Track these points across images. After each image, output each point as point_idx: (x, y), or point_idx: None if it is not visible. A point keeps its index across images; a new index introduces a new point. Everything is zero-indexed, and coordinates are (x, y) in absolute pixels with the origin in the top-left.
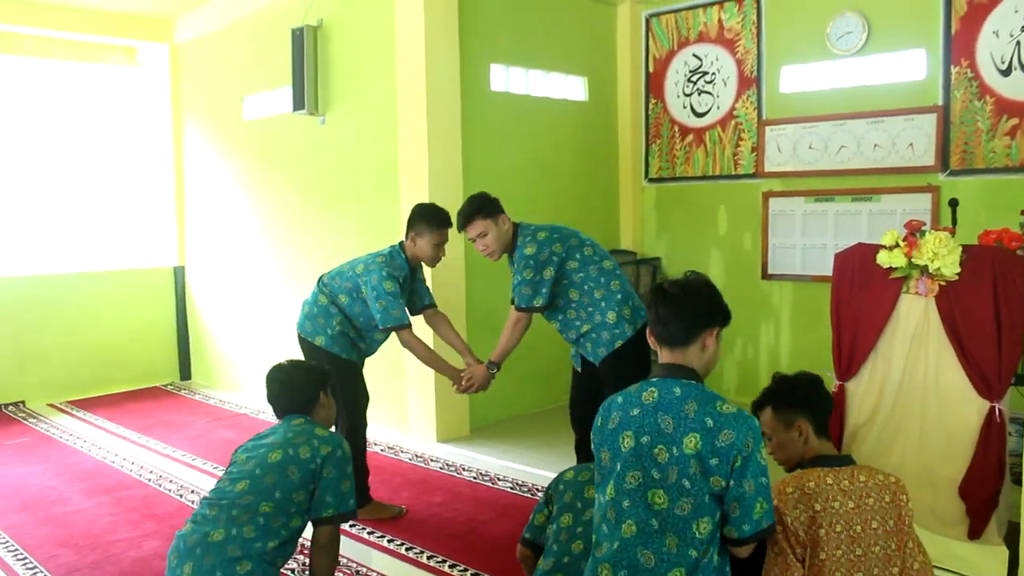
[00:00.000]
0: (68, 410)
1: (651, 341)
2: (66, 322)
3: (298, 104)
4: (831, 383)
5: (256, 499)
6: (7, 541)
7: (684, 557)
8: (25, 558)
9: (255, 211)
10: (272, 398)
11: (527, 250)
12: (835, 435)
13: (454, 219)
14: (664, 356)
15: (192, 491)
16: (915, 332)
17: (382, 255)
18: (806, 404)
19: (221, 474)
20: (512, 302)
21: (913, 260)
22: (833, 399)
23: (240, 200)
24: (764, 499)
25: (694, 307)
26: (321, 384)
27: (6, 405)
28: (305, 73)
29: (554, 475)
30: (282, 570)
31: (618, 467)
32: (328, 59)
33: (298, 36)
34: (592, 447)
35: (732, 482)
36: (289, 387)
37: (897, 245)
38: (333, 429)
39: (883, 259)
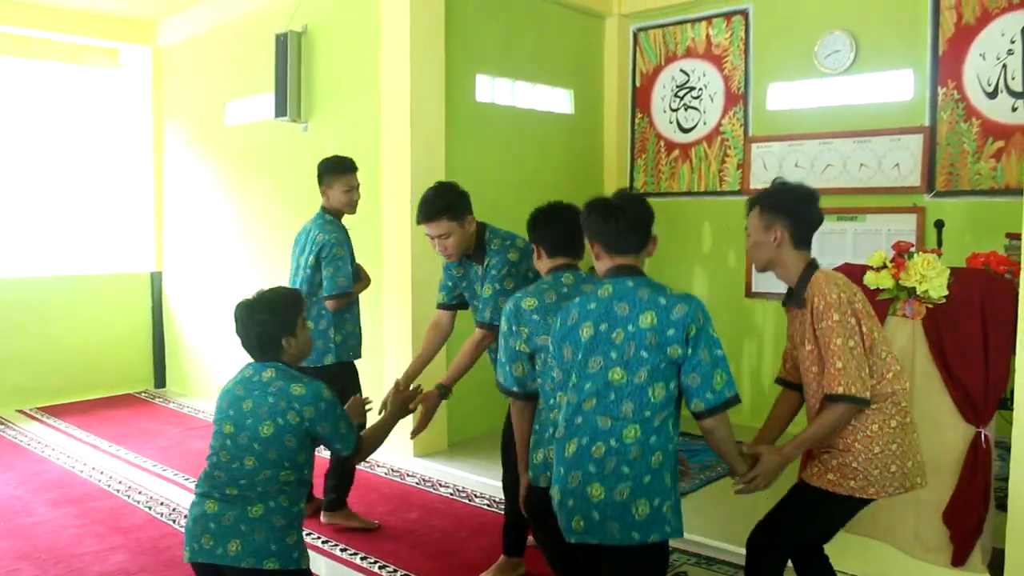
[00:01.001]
0: (38, 417)
1: (596, 251)
2: (39, 326)
3: (280, 110)
4: None
5: (273, 471)
6: None
7: (638, 416)
8: None
9: (234, 218)
10: (241, 342)
11: (511, 255)
12: None
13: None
14: (611, 262)
15: (161, 503)
16: (901, 355)
17: (316, 223)
18: (789, 212)
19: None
20: (482, 316)
21: (900, 282)
22: (822, 217)
23: (220, 206)
24: (723, 371)
25: (644, 216)
26: (286, 327)
27: None
28: (288, 79)
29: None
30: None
31: (580, 356)
32: (312, 65)
33: (282, 41)
34: (552, 349)
35: (689, 350)
36: (253, 334)
37: (884, 266)
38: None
39: (870, 280)
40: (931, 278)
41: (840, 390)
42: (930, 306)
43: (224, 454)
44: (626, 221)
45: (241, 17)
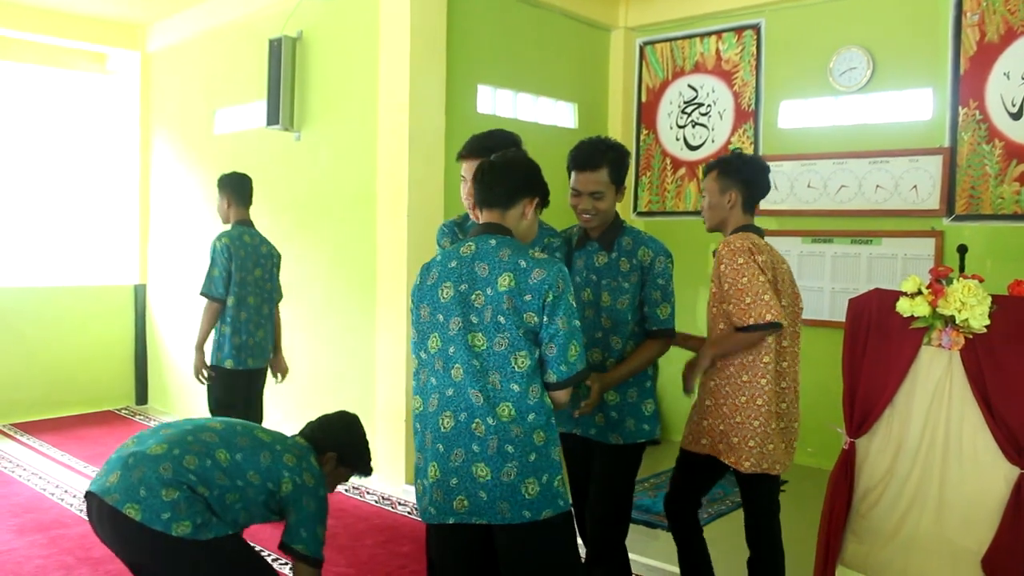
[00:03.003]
0: (11, 433)
1: (474, 214)
2: (16, 338)
3: (272, 119)
4: (841, 440)
5: (217, 444)
6: None
7: (507, 391)
8: None
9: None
10: None
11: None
12: (844, 496)
13: None
14: (483, 218)
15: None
16: (936, 388)
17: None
18: (744, 179)
19: None
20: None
21: (938, 310)
22: (770, 186)
23: (207, 217)
24: (577, 342)
25: (517, 175)
26: None
27: None
28: (281, 86)
29: None
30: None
31: (440, 318)
32: (306, 72)
33: (276, 47)
34: (411, 308)
35: (545, 318)
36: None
37: (920, 292)
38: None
39: (904, 307)
40: (972, 306)
41: (751, 321)
42: (969, 336)
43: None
44: (492, 175)
45: (234, 22)
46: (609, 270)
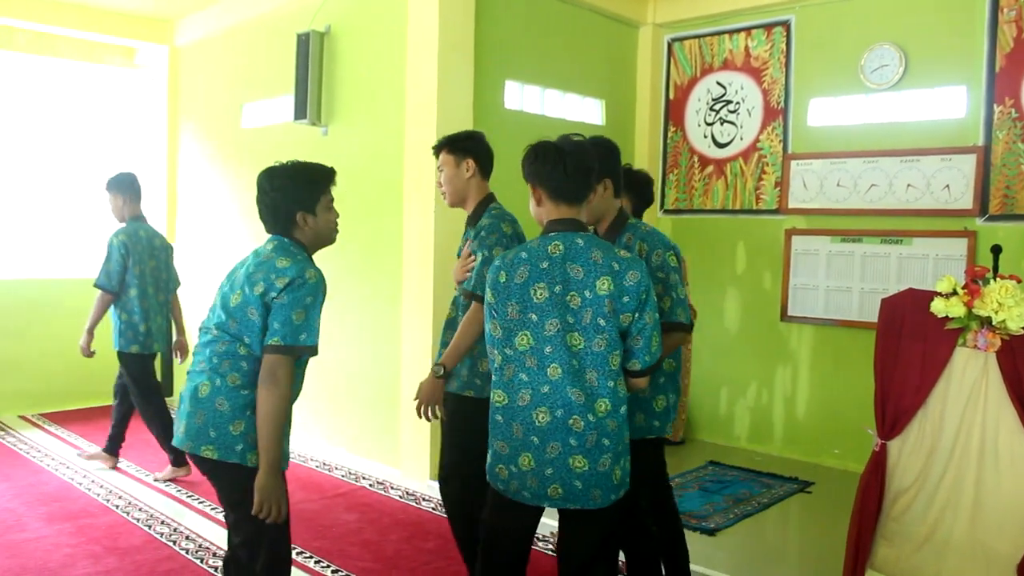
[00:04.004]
0: (40, 424)
1: (539, 197)
2: (46, 329)
3: (300, 113)
4: (872, 441)
5: (237, 337)
6: None
7: (604, 388)
8: None
9: (249, 223)
10: (258, 211)
11: (504, 227)
12: (874, 499)
13: None
14: (558, 212)
15: (162, 521)
16: (971, 390)
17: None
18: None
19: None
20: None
21: (974, 310)
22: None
23: (234, 211)
24: (658, 333)
25: (591, 163)
26: (304, 203)
27: None
28: (309, 81)
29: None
30: None
31: (533, 317)
32: (334, 67)
33: (303, 41)
34: (492, 303)
35: (636, 315)
36: (268, 200)
37: (955, 292)
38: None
39: (938, 308)
40: (1010, 307)
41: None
42: (1006, 338)
43: (206, 329)
44: (573, 166)
45: (262, 16)
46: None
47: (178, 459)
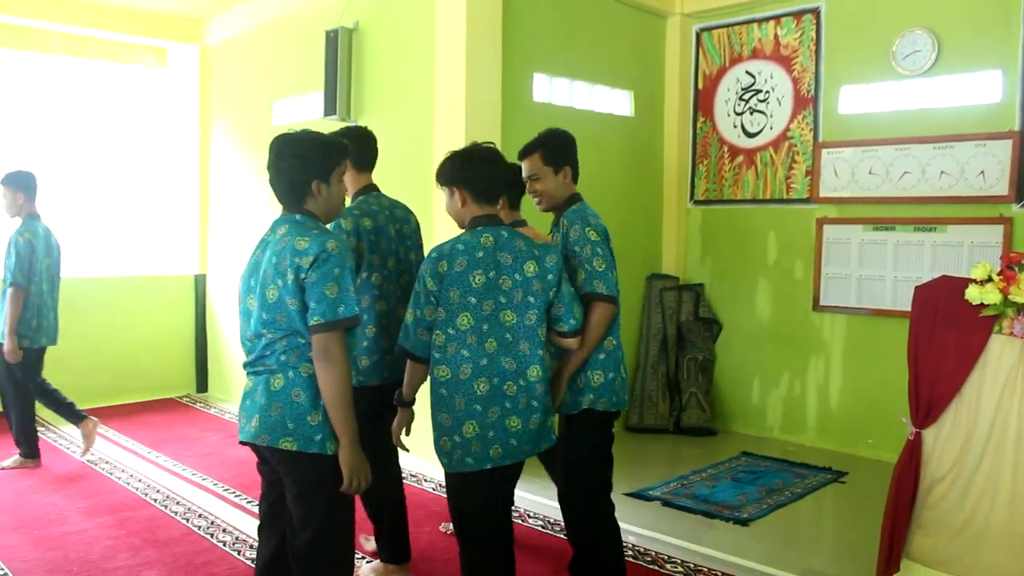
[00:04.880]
0: None
1: (463, 198)
2: (82, 328)
3: (329, 109)
4: (907, 430)
5: (290, 339)
6: None
7: (535, 356)
8: None
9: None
10: (271, 184)
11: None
12: (909, 488)
13: None
14: (481, 210)
15: (199, 515)
16: (1008, 377)
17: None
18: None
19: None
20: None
21: (1010, 297)
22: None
23: (266, 208)
24: (576, 301)
25: (503, 171)
26: (321, 172)
27: None
28: (338, 77)
29: None
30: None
31: (472, 300)
32: (362, 63)
33: (332, 38)
34: (432, 288)
35: (556, 290)
36: (284, 171)
37: (990, 279)
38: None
39: (973, 295)
40: None
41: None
42: None
43: (250, 334)
44: (497, 171)
45: (290, 14)
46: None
47: (31, 452)
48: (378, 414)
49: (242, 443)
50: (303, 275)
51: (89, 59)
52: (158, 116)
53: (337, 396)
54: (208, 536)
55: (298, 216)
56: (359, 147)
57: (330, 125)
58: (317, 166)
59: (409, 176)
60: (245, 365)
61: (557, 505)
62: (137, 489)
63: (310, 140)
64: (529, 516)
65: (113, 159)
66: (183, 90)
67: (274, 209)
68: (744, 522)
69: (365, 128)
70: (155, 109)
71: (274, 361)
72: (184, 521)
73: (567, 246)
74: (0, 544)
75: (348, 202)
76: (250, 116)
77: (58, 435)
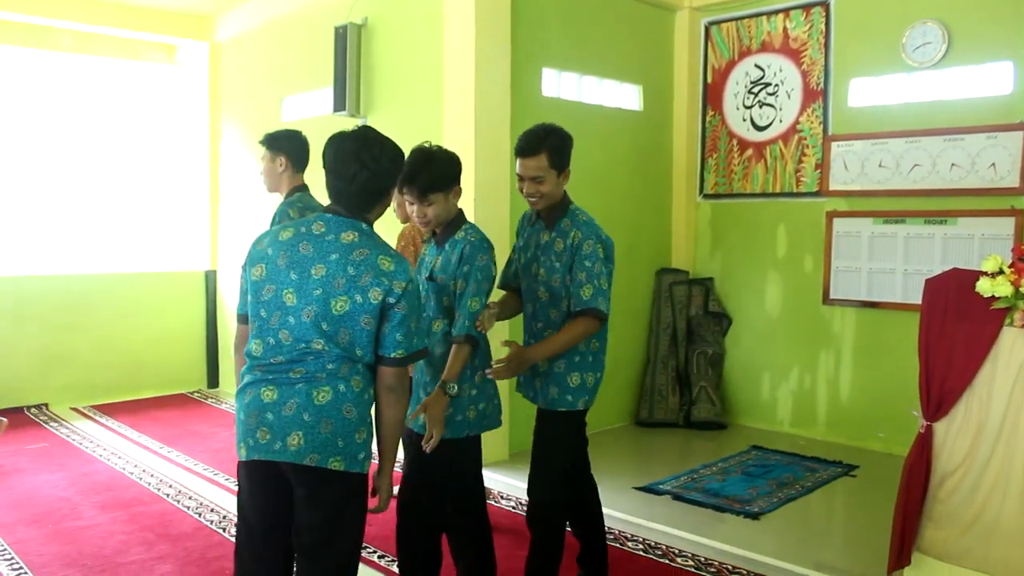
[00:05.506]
0: (91, 415)
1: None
2: (94, 323)
3: (339, 105)
4: (917, 423)
5: (345, 351)
6: (12, 559)
7: None
8: None
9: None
10: (332, 185)
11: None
12: (920, 481)
13: None
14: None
15: (212, 509)
16: (1019, 370)
17: None
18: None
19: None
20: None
21: (1021, 289)
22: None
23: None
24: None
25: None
26: (394, 182)
27: (29, 407)
28: (347, 73)
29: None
30: None
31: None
32: (372, 58)
33: (341, 34)
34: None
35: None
36: (361, 177)
37: (1001, 272)
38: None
39: (984, 287)
40: None
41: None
42: None
43: (285, 333)
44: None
45: (299, 10)
46: (548, 248)
47: None
48: None
49: (255, 461)
50: (392, 300)
51: (99, 56)
52: (168, 112)
53: (397, 425)
54: (220, 531)
55: (363, 225)
56: (300, 150)
57: (339, 121)
58: (397, 174)
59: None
60: (264, 365)
61: None
62: (149, 484)
63: (393, 144)
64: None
65: (123, 156)
66: (193, 86)
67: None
68: (755, 516)
69: (301, 132)
70: (165, 105)
71: (318, 369)
72: (196, 516)
73: (577, 259)
74: (16, 538)
75: (282, 197)
76: (260, 112)
77: (71, 430)
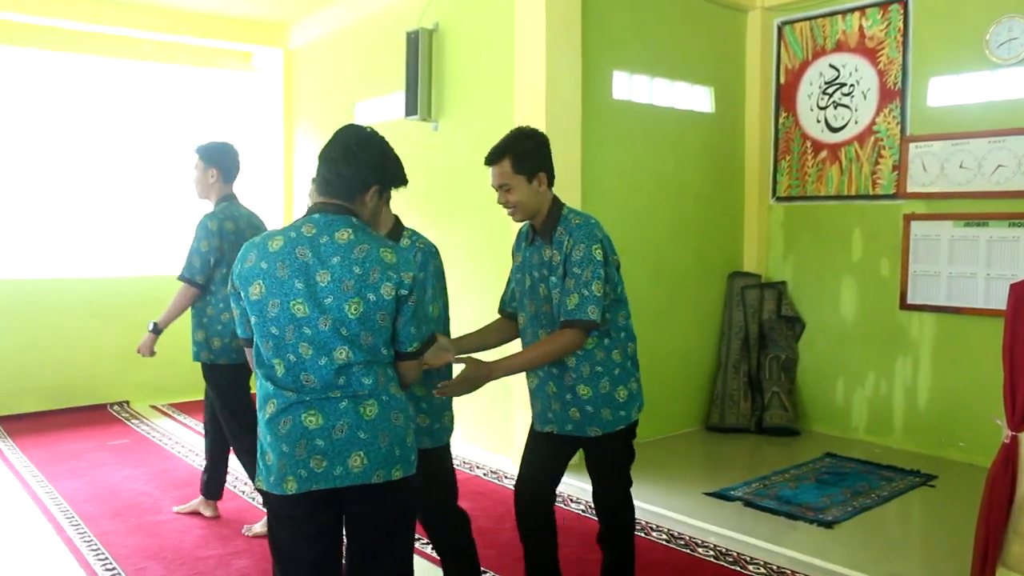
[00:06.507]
0: (170, 413)
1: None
2: (174, 324)
3: (411, 110)
4: (1001, 433)
5: (370, 353)
6: (99, 549)
7: None
8: (114, 568)
9: None
10: (324, 178)
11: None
12: (1005, 493)
13: None
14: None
15: None
16: None
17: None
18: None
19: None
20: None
21: None
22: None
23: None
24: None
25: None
26: (386, 179)
27: (111, 404)
28: (419, 77)
29: (672, 512)
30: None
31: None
32: (443, 63)
33: (413, 39)
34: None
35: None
36: (355, 170)
37: None
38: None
39: None
40: None
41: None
42: None
43: (305, 347)
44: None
45: (371, 16)
46: (550, 264)
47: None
48: (231, 386)
49: (308, 492)
50: (405, 292)
51: (178, 64)
52: (244, 118)
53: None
54: None
55: (354, 219)
56: (232, 163)
57: (412, 126)
58: (388, 174)
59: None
60: (293, 388)
61: (636, 503)
62: (227, 481)
63: (389, 147)
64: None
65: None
66: (268, 92)
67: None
68: (828, 524)
69: (234, 146)
70: (241, 111)
71: (358, 385)
72: None
73: (568, 266)
74: (101, 530)
75: (212, 207)
76: (333, 117)
77: (151, 427)
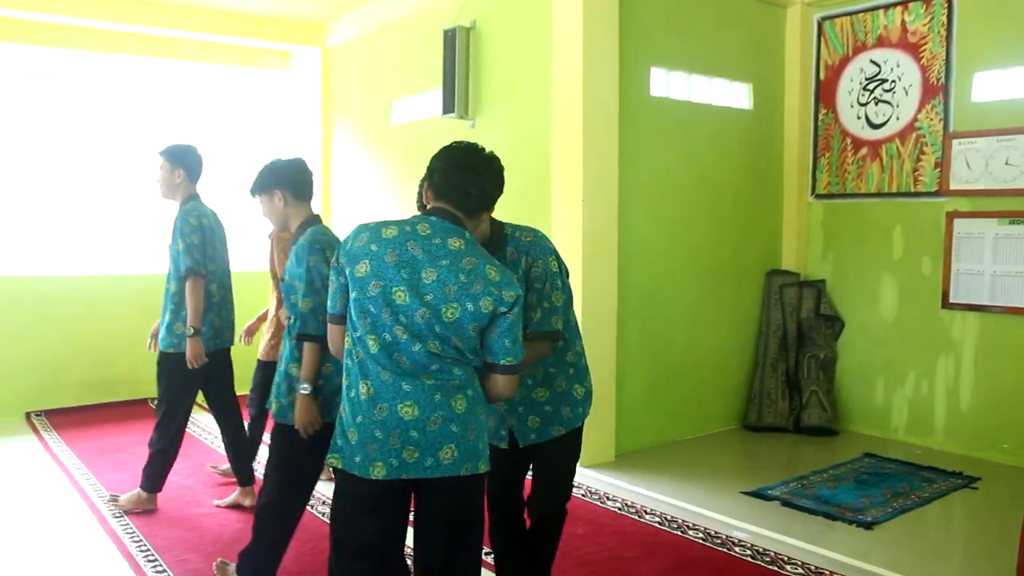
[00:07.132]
0: (208, 408)
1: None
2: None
3: (448, 107)
4: None
5: (458, 354)
6: (140, 540)
7: None
8: (155, 560)
9: (402, 216)
10: (452, 191)
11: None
12: None
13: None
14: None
15: (324, 502)
16: None
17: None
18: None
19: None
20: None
21: None
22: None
23: (387, 205)
24: None
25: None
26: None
27: (152, 399)
28: (456, 75)
29: (709, 511)
30: None
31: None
32: (480, 61)
33: (450, 37)
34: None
35: None
36: (480, 190)
37: None
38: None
39: None
40: None
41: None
42: None
43: (400, 330)
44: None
45: (409, 15)
46: None
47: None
48: (182, 383)
49: (393, 480)
50: (504, 309)
51: (217, 64)
52: (283, 116)
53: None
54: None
55: (467, 234)
56: (197, 164)
57: (449, 123)
58: (498, 195)
59: (527, 173)
60: (387, 365)
61: (673, 502)
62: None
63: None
64: (646, 512)
65: (240, 159)
66: (306, 91)
67: (399, 206)
68: (868, 525)
69: (197, 149)
70: (280, 110)
71: (449, 376)
72: (309, 508)
73: (530, 283)
74: (142, 522)
75: (177, 204)
76: (370, 115)
77: (191, 423)
